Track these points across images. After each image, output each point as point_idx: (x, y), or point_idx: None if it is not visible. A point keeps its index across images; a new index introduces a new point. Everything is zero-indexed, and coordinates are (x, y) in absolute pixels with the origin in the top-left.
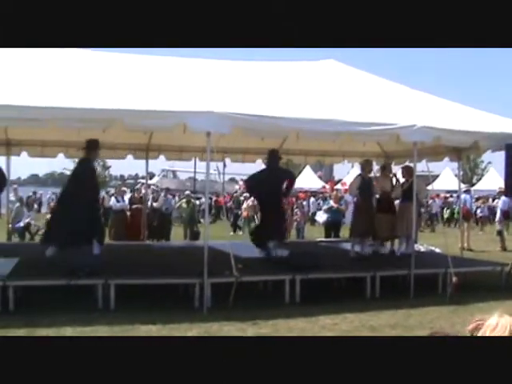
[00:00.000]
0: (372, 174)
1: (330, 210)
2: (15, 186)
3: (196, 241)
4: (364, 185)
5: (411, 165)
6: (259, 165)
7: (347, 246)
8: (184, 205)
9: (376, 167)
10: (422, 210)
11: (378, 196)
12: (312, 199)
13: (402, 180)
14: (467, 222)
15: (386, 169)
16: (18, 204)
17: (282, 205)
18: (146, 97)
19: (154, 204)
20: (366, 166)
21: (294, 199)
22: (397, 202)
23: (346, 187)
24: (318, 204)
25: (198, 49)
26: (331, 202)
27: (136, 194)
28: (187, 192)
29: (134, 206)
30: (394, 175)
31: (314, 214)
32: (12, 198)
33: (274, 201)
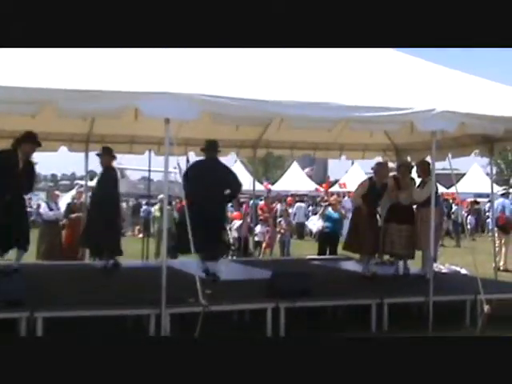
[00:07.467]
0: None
1: (329, 219)
2: None
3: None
4: (373, 192)
5: (429, 160)
6: (232, 159)
7: (347, 265)
8: (157, 213)
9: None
10: (445, 218)
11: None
12: (301, 205)
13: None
14: (505, 234)
15: (405, 171)
16: None
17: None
18: (87, 75)
19: None
20: (379, 171)
21: (276, 205)
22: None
23: (346, 189)
24: (309, 212)
25: None
26: (330, 209)
27: (76, 200)
28: (161, 196)
29: (73, 216)
30: (412, 179)
31: (302, 224)
32: None
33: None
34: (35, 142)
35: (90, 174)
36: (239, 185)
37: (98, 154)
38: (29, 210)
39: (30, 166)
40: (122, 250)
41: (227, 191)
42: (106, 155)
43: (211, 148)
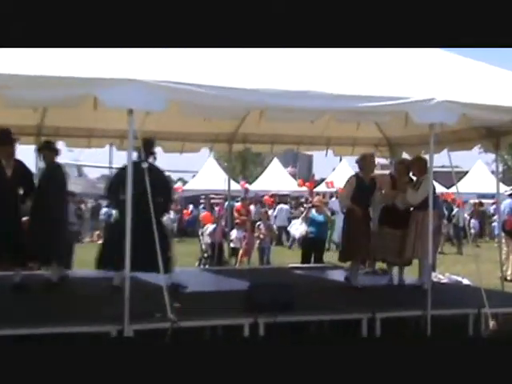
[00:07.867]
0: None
1: (313, 223)
2: None
3: None
4: (362, 189)
5: (426, 157)
6: (204, 155)
7: (334, 274)
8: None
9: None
10: (445, 221)
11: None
12: (283, 207)
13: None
14: None
15: (402, 170)
16: None
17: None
18: (37, 59)
19: None
20: (365, 164)
21: (251, 207)
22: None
23: (334, 189)
24: (291, 213)
25: None
26: (313, 211)
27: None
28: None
29: (25, 219)
30: (411, 179)
31: (285, 228)
32: None
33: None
34: (13, 140)
35: None
36: (170, 191)
37: (38, 149)
38: None
39: (22, 167)
40: (71, 262)
41: (160, 199)
42: (48, 150)
43: (145, 148)
